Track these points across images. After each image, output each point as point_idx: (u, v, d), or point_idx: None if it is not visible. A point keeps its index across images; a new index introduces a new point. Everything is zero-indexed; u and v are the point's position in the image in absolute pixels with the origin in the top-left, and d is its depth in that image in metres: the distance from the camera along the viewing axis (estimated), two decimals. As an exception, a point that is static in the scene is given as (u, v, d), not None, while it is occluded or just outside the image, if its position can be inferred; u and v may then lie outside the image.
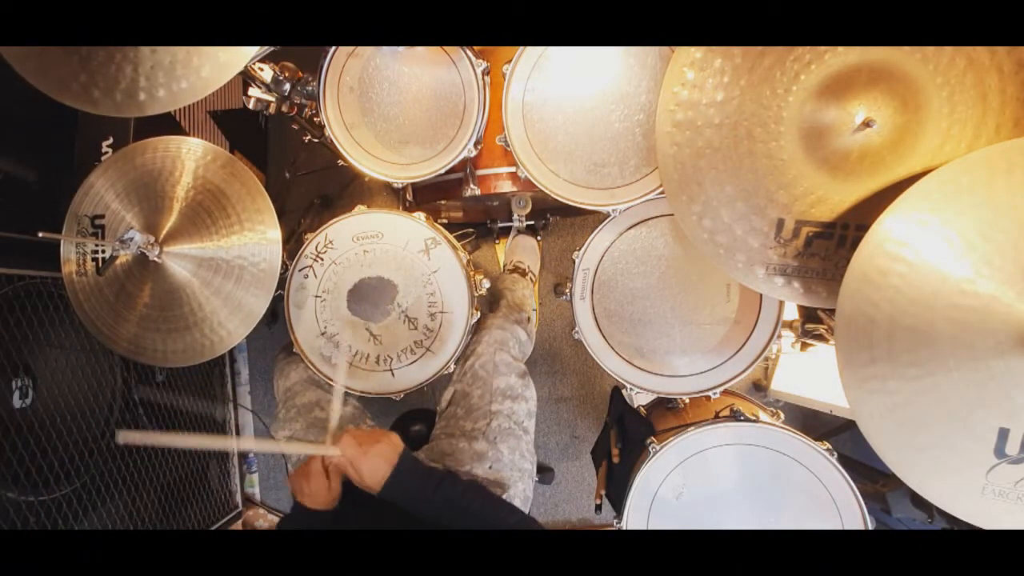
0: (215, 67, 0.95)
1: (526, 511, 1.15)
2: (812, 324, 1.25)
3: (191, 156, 1.14)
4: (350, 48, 1.17)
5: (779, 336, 1.14)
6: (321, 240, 1.22)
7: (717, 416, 1.18)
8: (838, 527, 1.07)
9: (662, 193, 1.09)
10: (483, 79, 1.14)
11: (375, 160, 1.21)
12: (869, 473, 1.49)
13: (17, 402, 1.29)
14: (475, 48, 1.15)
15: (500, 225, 1.89)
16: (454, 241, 1.26)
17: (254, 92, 1.19)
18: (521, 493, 1.12)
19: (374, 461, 0.87)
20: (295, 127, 1.41)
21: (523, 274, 1.80)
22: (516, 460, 1.14)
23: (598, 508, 1.35)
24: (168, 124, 1.55)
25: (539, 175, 1.17)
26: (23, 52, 0.95)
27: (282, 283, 1.20)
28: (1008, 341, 0.77)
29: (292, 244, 1.33)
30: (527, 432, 1.20)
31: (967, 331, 0.79)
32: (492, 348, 1.23)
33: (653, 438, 1.16)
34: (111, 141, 1.41)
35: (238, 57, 0.96)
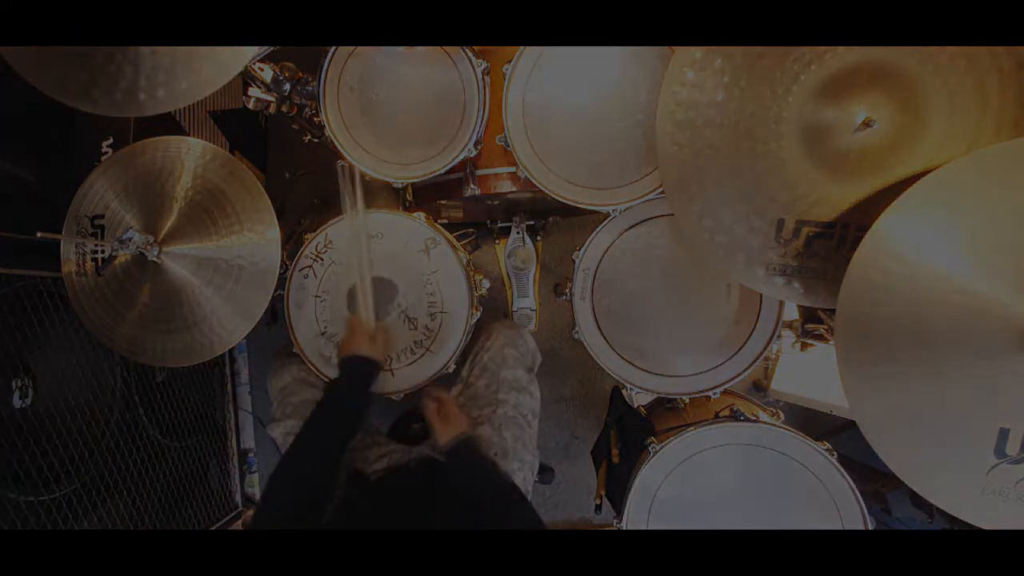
0: (215, 67, 0.95)
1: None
2: (812, 324, 1.25)
3: (191, 156, 1.14)
4: (350, 48, 1.17)
5: (779, 336, 1.14)
6: (321, 240, 1.22)
7: (717, 416, 1.18)
8: (838, 527, 1.07)
9: (662, 193, 1.09)
10: (483, 79, 1.14)
11: (375, 160, 1.21)
12: (869, 473, 1.49)
13: (17, 402, 1.28)
14: (475, 48, 1.15)
15: (500, 225, 1.89)
16: (454, 241, 1.26)
17: (254, 92, 1.19)
18: (521, 484, 1.13)
19: (457, 420, 1.07)
20: (295, 127, 1.41)
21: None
22: (519, 450, 1.15)
23: (598, 508, 1.35)
24: (168, 124, 1.54)
25: (539, 175, 1.16)
26: (23, 52, 0.95)
27: (282, 283, 1.20)
28: (1008, 341, 0.77)
29: (292, 244, 1.33)
30: (531, 426, 1.20)
31: (967, 331, 0.79)
32: (501, 342, 1.24)
33: (653, 438, 1.16)
34: (111, 141, 1.40)
35: (238, 57, 0.96)
